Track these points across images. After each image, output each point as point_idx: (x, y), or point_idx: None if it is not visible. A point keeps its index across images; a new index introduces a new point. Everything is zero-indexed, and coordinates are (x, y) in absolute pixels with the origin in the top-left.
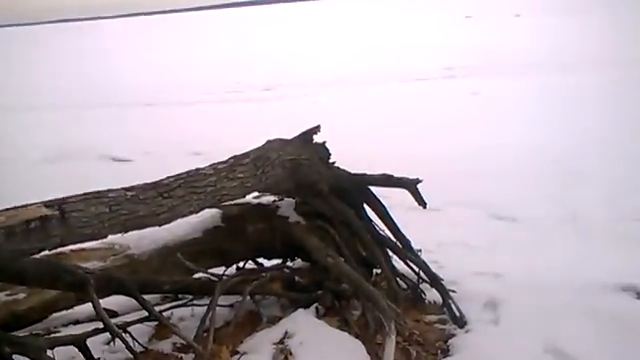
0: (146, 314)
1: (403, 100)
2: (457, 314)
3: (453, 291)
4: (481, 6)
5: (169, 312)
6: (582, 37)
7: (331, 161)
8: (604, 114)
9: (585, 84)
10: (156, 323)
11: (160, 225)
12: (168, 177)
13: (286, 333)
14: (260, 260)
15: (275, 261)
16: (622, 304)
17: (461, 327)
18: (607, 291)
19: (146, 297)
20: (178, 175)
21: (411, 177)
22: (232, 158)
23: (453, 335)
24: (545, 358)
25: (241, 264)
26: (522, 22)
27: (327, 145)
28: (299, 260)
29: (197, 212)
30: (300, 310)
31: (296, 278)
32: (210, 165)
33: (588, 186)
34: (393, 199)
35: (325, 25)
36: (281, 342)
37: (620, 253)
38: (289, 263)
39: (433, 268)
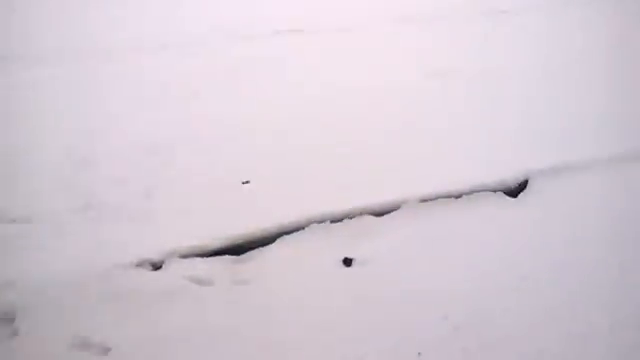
0: None
1: None
2: None
3: None
4: None
5: None
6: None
7: None
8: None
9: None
10: None
11: None
12: None
13: None
14: None
15: None
16: (140, 279)
17: None
18: (125, 270)
19: None
20: None
21: None
22: None
23: None
24: (72, 354)
25: None
26: None
27: None
28: None
29: None
30: None
31: None
32: None
33: (97, 171)
34: None
35: None
36: None
37: (131, 231)
38: None
39: None
